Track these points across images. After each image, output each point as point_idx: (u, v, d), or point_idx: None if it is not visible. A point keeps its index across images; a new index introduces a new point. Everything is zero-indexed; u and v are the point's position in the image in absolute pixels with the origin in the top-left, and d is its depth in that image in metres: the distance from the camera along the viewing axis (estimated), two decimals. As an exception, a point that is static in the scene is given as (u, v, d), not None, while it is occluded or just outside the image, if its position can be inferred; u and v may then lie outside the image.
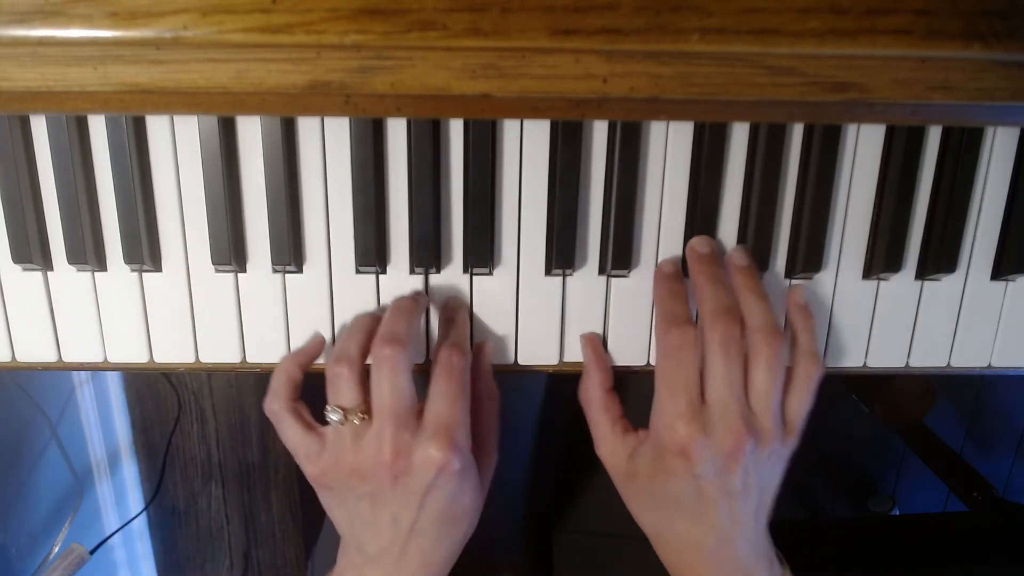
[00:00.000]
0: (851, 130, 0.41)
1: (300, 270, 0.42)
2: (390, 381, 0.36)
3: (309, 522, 1.22)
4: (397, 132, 0.40)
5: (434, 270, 0.42)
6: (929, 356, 0.45)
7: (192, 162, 0.40)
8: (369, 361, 0.38)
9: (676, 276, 0.41)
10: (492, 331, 0.43)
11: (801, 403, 0.39)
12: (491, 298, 0.43)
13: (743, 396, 0.37)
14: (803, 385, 0.39)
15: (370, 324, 0.39)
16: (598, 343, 0.43)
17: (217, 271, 0.42)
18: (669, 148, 0.41)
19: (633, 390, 0.44)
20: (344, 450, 0.38)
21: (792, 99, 0.36)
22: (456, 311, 0.42)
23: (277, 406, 0.40)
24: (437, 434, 0.36)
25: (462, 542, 0.41)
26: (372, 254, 0.41)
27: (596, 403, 0.42)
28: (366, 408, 0.38)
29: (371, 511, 0.38)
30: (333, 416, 0.38)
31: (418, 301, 0.41)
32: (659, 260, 0.42)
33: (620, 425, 0.41)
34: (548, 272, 0.42)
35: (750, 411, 0.37)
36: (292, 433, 0.39)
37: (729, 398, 0.37)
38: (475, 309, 0.43)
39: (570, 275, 0.43)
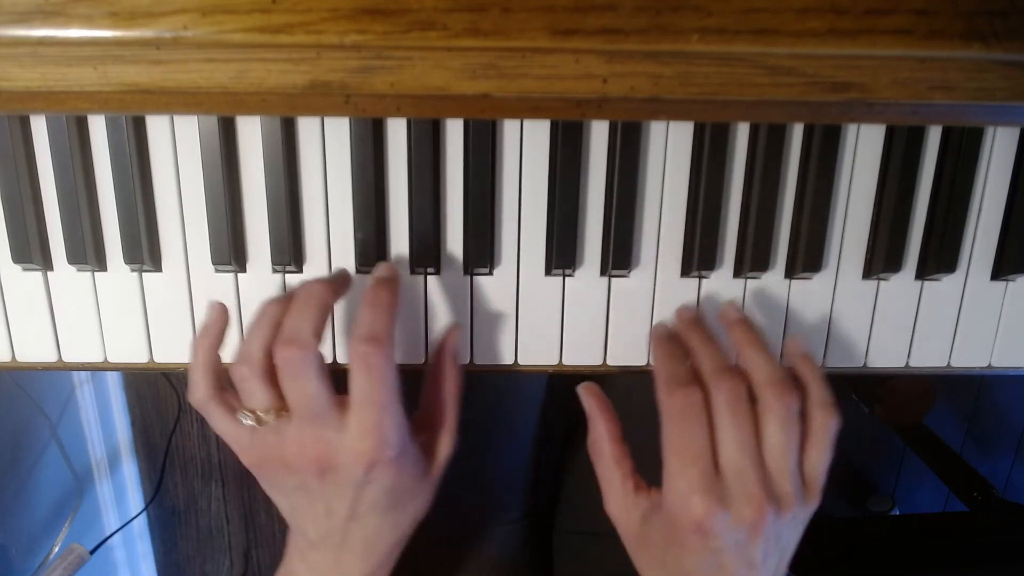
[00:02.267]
0: (851, 130, 0.41)
1: (300, 270, 0.42)
2: (297, 386, 0.34)
3: (309, 522, 1.22)
4: (397, 132, 0.40)
5: (434, 270, 0.42)
6: (929, 356, 0.45)
7: (192, 162, 0.40)
8: None
9: (674, 337, 0.39)
10: (492, 331, 0.43)
11: (820, 459, 0.36)
12: (491, 298, 0.43)
13: (759, 459, 0.35)
14: (820, 439, 0.36)
15: (276, 313, 0.36)
16: (598, 390, 0.42)
17: (217, 271, 0.42)
18: (669, 148, 0.41)
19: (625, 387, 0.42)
20: (269, 444, 0.36)
21: (792, 99, 0.36)
22: (381, 291, 0.37)
23: (200, 396, 0.37)
24: (363, 434, 0.34)
25: (412, 523, 0.39)
26: (372, 254, 0.41)
27: (607, 457, 0.40)
28: (281, 404, 0.35)
29: (306, 502, 0.37)
30: (245, 420, 0.36)
31: (330, 285, 0.37)
32: (659, 263, 0.42)
33: (632, 482, 0.39)
34: (548, 272, 0.42)
35: (768, 475, 0.35)
36: (221, 424, 0.37)
37: (745, 464, 0.34)
38: (475, 309, 0.43)
39: (570, 275, 0.43)
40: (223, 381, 0.38)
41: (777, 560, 0.37)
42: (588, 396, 0.41)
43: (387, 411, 0.35)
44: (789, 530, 0.36)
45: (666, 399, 0.36)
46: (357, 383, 0.34)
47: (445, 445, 0.40)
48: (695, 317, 0.40)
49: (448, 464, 0.40)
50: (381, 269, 0.39)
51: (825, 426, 0.36)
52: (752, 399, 0.36)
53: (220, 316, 0.39)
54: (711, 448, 0.35)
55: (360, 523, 0.37)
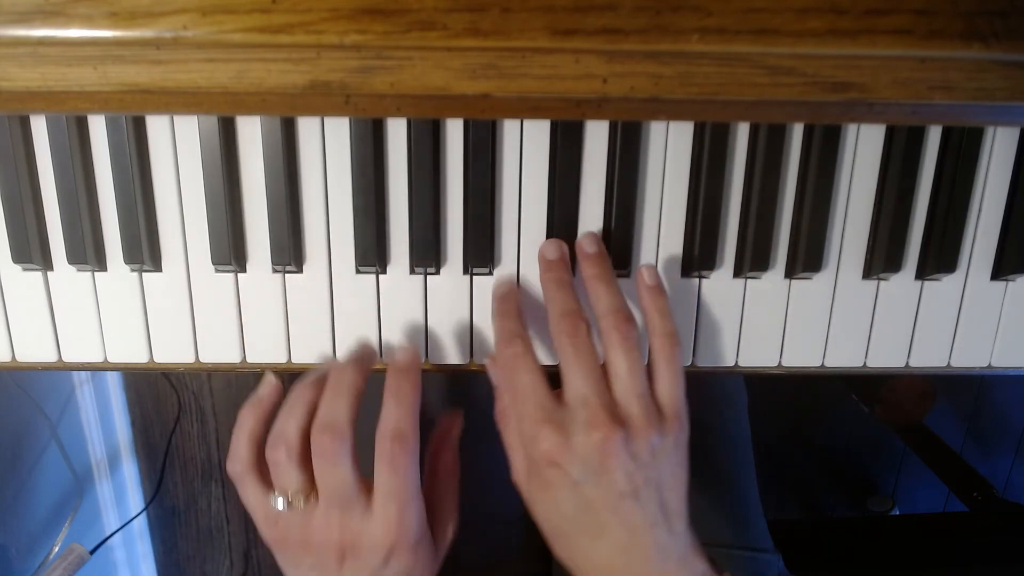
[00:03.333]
0: (851, 130, 0.41)
1: (300, 270, 0.42)
2: (331, 472, 0.35)
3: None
4: (397, 132, 0.40)
5: (434, 270, 0.42)
6: (929, 356, 0.45)
7: (192, 162, 0.40)
8: None
9: (509, 295, 0.40)
10: (492, 331, 0.43)
11: (670, 386, 0.37)
12: (491, 298, 0.43)
13: (602, 387, 0.35)
14: (665, 366, 0.37)
15: (311, 398, 0.37)
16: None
17: (217, 271, 0.42)
18: (669, 148, 0.41)
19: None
20: (294, 524, 0.37)
21: (792, 99, 0.36)
22: (402, 380, 0.37)
23: (240, 468, 0.38)
24: (385, 522, 0.36)
25: None
26: (372, 254, 0.41)
27: (511, 426, 0.40)
28: (311, 488, 0.37)
29: None
30: (277, 502, 0.37)
31: (359, 369, 0.38)
32: (658, 263, 0.42)
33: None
34: (548, 272, 0.42)
35: (613, 401, 0.35)
36: (252, 497, 0.38)
37: (587, 391, 0.35)
38: (475, 309, 0.43)
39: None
40: (261, 455, 0.38)
41: (656, 497, 0.35)
42: (492, 368, 0.42)
43: (409, 506, 0.36)
44: (655, 459, 0.35)
45: (498, 355, 0.38)
46: (382, 477, 0.36)
47: (449, 531, 0.41)
48: (554, 261, 0.40)
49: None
50: (401, 355, 0.39)
51: (668, 354, 0.37)
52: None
53: (274, 392, 0.40)
54: (544, 385, 0.36)
55: None
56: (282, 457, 0.36)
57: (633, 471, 0.34)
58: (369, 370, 0.39)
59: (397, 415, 0.36)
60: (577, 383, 0.35)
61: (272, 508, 0.37)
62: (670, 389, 0.37)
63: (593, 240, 0.40)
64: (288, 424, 0.37)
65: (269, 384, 0.40)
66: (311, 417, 0.36)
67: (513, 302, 0.40)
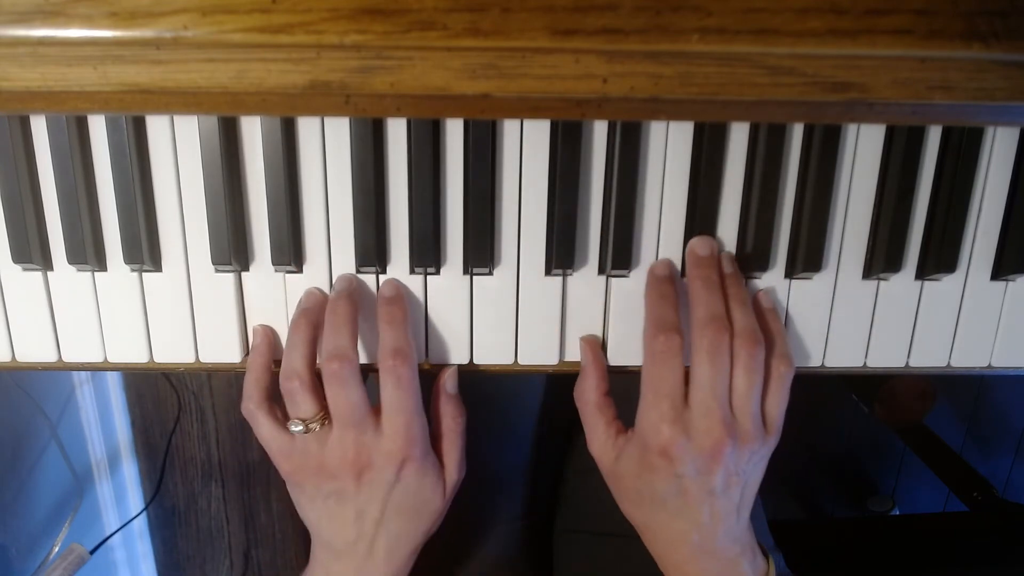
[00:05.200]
0: (851, 130, 0.41)
1: (300, 270, 0.42)
2: (343, 395, 0.39)
3: (309, 522, 1.22)
4: (397, 132, 0.40)
5: (434, 270, 0.42)
6: (929, 356, 0.45)
7: (192, 162, 0.40)
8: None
9: (669, 279, 0.41)
10: (492, 331, 0.43)
11: (778, 403, 0.41)
12: (491, 298, 0.43)
13: (726, 400, 0.39)
14: (778, 385, 0.41)
15: (308, 333, 0.40)
16: (597, 346, 0.44)
17: (217, 271, 0.42)
18: (669, 148, 0.41)
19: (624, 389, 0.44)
20: (311, 452, 0.40)
21: (792, 99, 0.36)
22: (392, 309, 0.41)
23: (252, 406, 0.41)
24: (394, 435, 0.39)
25: (423, 538, 0.43)
26: (372, 254, 0.41)
27: (591, 405, 0.43)
28: (325, 413, 0.40)
29: (338, 508, 0.41)
30: (295, 428, 0.40)
31: (352, 299, 0.41)
32: (657, 260, 0.42)
33: (614, 427, 0.43)
34: (548, 272, 0.42)
35: (731, 414, 0.39)
36: (266, 431, 0.41)
37: (712, 402, 0.38)
38: (475, 309, 0.43)
39: (570, 275, 0.43)
40: (272, 394, 0.42)
41: (739, 493, 0.40)
42: (587, 349, 0.44)
43: (414, 416, 0.40)
44: (749, 465, 0.40)
45: (650, 340, 0.40)
46: (387, 392, 0.39)
47: (454, 472, 0.43)
48: (705, 258, 0.41)
49: (458, 487, 0.44)
50: (385, 289, 0.42)
51: (781, 374, 0.41)
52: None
53: (266, 335, 0.43)
54: (684, 386, 0.39)
55: (386, 528, 0.41)
56: (296, 387, 0.39)
57: (731, 475, 0.39)
58: (356, 298, 0.41)
59: (393, 335, 0.40)
60: (705, 392, 0.38)
61: (287, 441, 0.41)
62: (777, 408, 0.41)
63: (731, 261, 0.42)
64: (295, 359, 0.40)
65: (258, 332, 0.43)
66: (314, 349, 0.40)
67: (674, 288, 0.41)
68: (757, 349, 0.39)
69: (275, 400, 0.42)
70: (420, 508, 0.42)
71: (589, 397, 0.43)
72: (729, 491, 0.40)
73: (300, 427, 0.40)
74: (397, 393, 0.39)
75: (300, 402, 0.40)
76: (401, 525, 0.41)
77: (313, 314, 0.41)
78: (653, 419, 0.39)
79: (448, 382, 0.44)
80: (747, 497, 0.41)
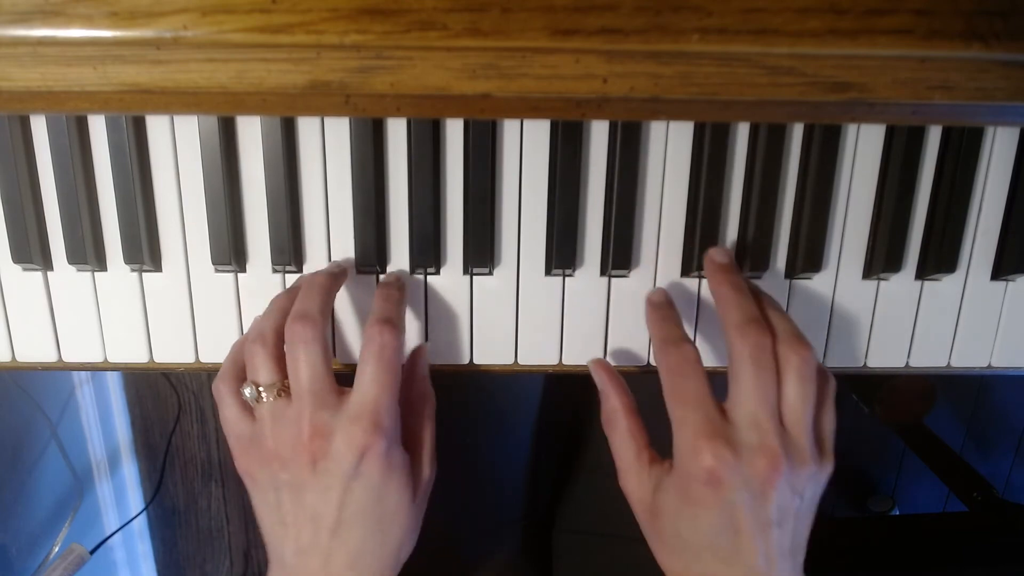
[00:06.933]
0: (851, 130, 0.41)
1: (300, 270, 0.42)
2: (303, 358, 0.35)
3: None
4: (397, 132, 0.40)
5: (434, 270, 0.42)
6: (929, 356, 0.45)
7: (192, 162, 0.40)
8: None
9: (667, 303, 0.40)
10: (492, 331, 0.43)
11: (831, 421, 0.36)
12: (491, 298, 0.43)
13: (776, 412, 0.34)
14: (830, 400, 0.36)
15: (286, 304, 0.38)
16: (607, 364, 0.41)
17: (217, 271, 0.42)
18: (669, 148, 0.41)
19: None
20: (265, 433, 0.36)
21: (792, 99, 0.36)
22: (389, 285, 0.39)
23: (223, 385, 0.38)
24: (360, 415, 0.34)
25: (393, 560, 0.37)
26: (372, 254, 0.41)
27: (622, 430, 0.38)
28: (283, 388, 0.36)
29: (291, 504, 0.36)
30: (246, 391, 0.36)
31: (334, 275, 0.39)
32: (659, 263, 0.42)
33: (647, 454, 0.38)
34: (548, 272, 0.42)
35: (784, 429, 0.34)
36: (228, 411, 0.38)
37: (761, 414, 0.33)
38: (475, 309, 0.43)
39: (570, 275, 0.43)
40: (243, 376, 0.38)
41: (793, 529, 0.35)
42: (599, 371, 0.40)
43: (386, 394, 0.35)
44: (806, 491, 0.35)
45: (662, 358, 0.36)
46: (365, 363, 0.35)
47: (426, 467, 0.39)
48: (726, 264, 0.39)
49: (430, 490, 0.40)
50: (387, 277, 0.41)
51: (831, 389, 0.36)
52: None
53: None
54: (711, 396, 0.35)
55: (343, 539, 0.35)
56: (258, 349, 0.36)
57: (787, 503, 0.34)
58: (341, 280, 0.40)
59: (386, 307, 0.37)
60: (752, 402, 0.34)
61: (247, 426, 0.37)
62: (830, 425, 0.36)
63: (751, 283, 0.40)
64: (265, 323, 0.37)
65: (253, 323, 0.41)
66: (285, 318, 0.36)
67: (673, 311, 0.39)
68: (808, 353, 0.34)
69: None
70: (385, 516, 0.36)
71: (618, 421, 0.38)
72: (784, 526, 0.34)
73: (251, 390, 0.36)
74: (377, 366, 0.35)
75: (259, 366, 0.36)
76: (363, 536, 0.35)
77: (296, 291, 0.39)
78: (688, 437, 0.34)
79: (418, 361, 0.40)
80: (800, 538, 0.35)
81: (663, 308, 0.40)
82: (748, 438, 0.33)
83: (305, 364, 0.35)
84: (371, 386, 0.35)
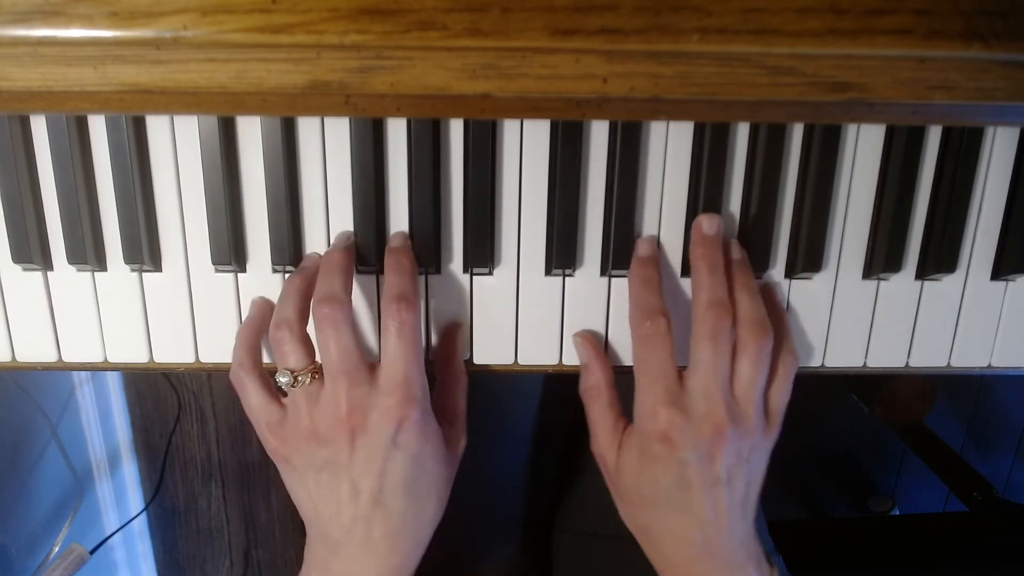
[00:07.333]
0: (851, 130, 0.41)
1: (300, 270, 0.42)
2: (334, 339, 0.36)
3: (309, 522, 1.22)
4: (397, 132, 0.40)
5: (434, 270, 0.42)
6: (929, 356, 0.45)
7: (192, 162, 0.40)
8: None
9: (652, 261, 0.41)
10: (492, 331, 0.43)
11: (782, 395, 0.40)
12: (491, 298, 0.43)
13: (727, 385, 0.38)
14: (783, 378, 0.40)
15: (302, 285, 0.38)
16: (593, 339, 0.43)
17: (217, 271, 0.42)
18: (669, 148, 0.41)
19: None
20: (301, 415, 0.37)
21: (792, 99, 0.36)
22: (399, 255, 0.39)
23: (243, 372, 0.39)
24: (393, 389, 0.36)
25: (428, 528, 0.40)
26: (372, 254, 0.41)
27: (603, 401, 0.42)
28: (315, 369, 0.37)
29: (331, 483, 0.37)
30: (282, 379, 0.37)
31: (347, 249, 0.39)
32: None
33: (622, 423, 0.41)
34: (548, 272, 0.42)
35: (733, 399, 0.38)
36: (255, 399, 0.39)
37: (712, 386, 0.37)
38: (475, 309, 0.43)
39: (570, 275, 0.43)
40: (260, 361, 0.40)
41: (743, 488, 0.39)
42: (586, 344, 0.43)
43: (413, 367, 0.37)
44: (752, 456, 0.39)
45: (636, 326, 0.39)
46: (388, 341, 0.37)
47: (458, 440, 0.41)
48: (711, 237, 0.40)
49: (462, 461, 0.42)
50: (394, 239, 0.41)
51: (787, 367, 0.40)
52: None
53: (261, 307, 0.41)
54: (675, 370, 0.38)
55: (385, 511, 0.37)
56: (285, 335, 0.37)
57: (733, 464, 0.38)
58: (354, 252, 0.40)
59: (399, 281, 0.38)
60: (707, 376, 0.37)
61: (276, 410, 0.38)
62: (780, 399, 0.40)
63: (739, 248, 0.41)
64: (286, 309, 0.38)
65: (256, 305, 0.41)
66: (308, 303, 0.38)
67: (656, 271, 0.40)
68: (766, 340, 0.38)
69: (266, 373, 0.40)
70: (424, 488, 0.38)
71: (597, 392, 0.42)
72: (732, 484, 0.38)
73: (288, 378, 0.37)
74: (399, 342, 0.37)
75: (289, 352, 0.37)
76: (404, 505, 0.38)
77: (310, 272, 0.39)
78: (648, 403, 0.38)
79: (456, 343, 0.42)
80: (751, 495, 0.40)
81: (647, 267, 0.40)
82: (699, 406, 0.38)
83: (336, 345, 0.36)
84: (398, 362, 0.37)
